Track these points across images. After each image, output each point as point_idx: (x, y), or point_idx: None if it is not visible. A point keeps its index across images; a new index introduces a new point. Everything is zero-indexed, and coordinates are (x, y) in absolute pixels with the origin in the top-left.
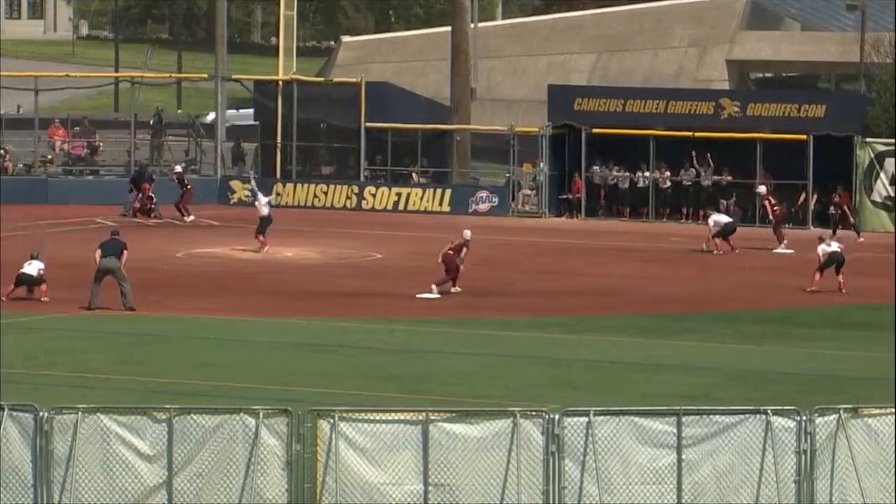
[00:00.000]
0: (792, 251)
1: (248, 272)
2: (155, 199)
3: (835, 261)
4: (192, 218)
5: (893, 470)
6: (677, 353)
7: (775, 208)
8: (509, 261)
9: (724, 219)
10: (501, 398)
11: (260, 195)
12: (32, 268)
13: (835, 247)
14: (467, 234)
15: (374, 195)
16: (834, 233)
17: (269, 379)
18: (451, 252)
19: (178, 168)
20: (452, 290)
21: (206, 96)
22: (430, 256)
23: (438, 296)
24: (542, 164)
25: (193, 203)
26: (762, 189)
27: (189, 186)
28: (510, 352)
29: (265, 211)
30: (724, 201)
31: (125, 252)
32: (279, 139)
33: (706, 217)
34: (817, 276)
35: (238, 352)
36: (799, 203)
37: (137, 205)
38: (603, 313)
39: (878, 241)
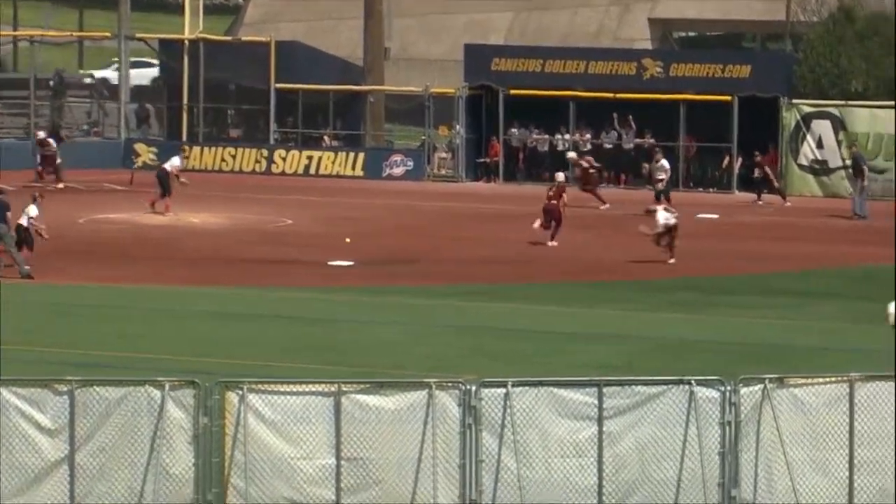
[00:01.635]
0: (715, 216)
1: (153, 239)
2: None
3: (666, 232)
4: (61, 185)
5: (820, 441)
6: (598, 323)
7: (591, 170)
8: (425, 227)
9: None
10: (417, 369)
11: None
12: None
13: (672, 218)
14: (560, 176)
15: (284, 159)
16: (759, 197)
17: (178, 350)
18: (551, 201)
19: (42, 134)
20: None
21: (110, 55)
22: (344, 222)
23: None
24: (458, 127)
25: (101, 167)
26: (572, 155)
27: (51, 151)
28: (426, 321)
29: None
30: (646, 165)
31: (8, 214)
32: (185, 101)
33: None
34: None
35: (146, 322)
36: (724, 166)
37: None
38: (522, 281)
39: (807, 205)
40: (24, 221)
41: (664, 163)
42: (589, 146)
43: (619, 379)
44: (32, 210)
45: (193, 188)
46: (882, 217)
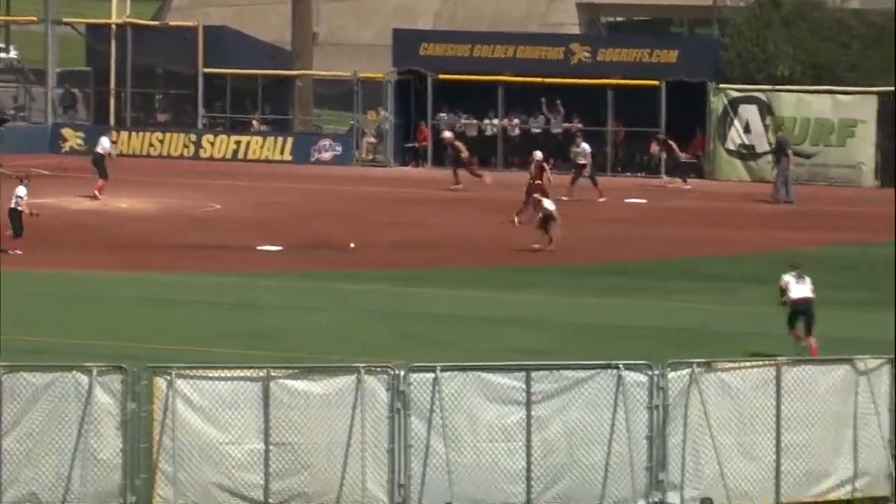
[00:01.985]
0: (643, 201)
1: (81, 224)
2: None
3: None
4: None
5: (747, 425)
6: (525, 307)
7: (462, 154)
8: (354, 212)
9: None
10: (346, 354)
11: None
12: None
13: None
14: (538, 154)
15: (212, 144)
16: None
17: (106, 335)
18: (535, 181)
19: None
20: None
21: (36, 40)
22: (272, 207)
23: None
24: (385, 112)
25: (28, 152)
26: (448, 134)
27: None
28: (355, 306)
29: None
30: (574, 149)
31: None
32: (113, 85)
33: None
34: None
35: (74, 307)
36: (651, 152)
37: None
38: (450, 266)
39: (734, 190)
40: (13, 204)
41: (585, 147)
42: (517, 130)
43: (548, 364)
44: (21, 190)
45: (122, 173)
46: (808, 202)
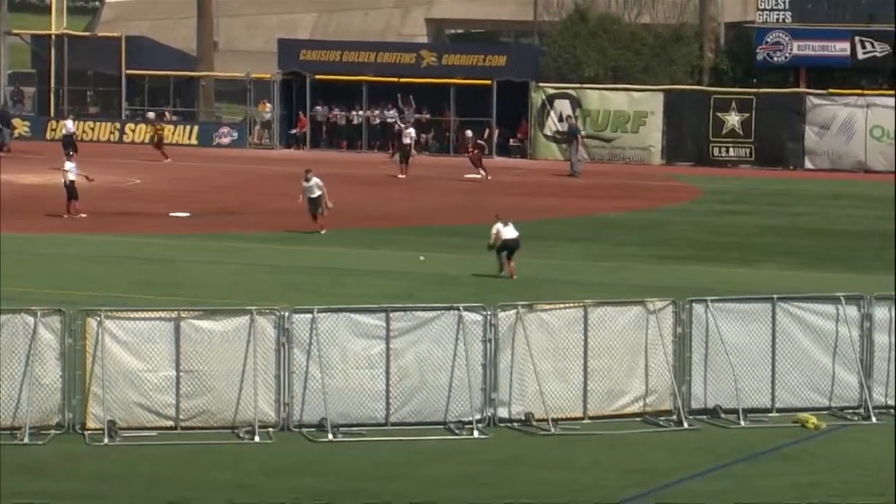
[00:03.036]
0: (479, 176)
1: (30, 196)
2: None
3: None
4: None
5: (561, 354)
6: (385, 262)
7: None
8: (248, 186)
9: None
10: (242, 299)
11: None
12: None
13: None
14: (468, 133)
15: (133, 131)
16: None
17: (49, 285)
18: (473, 151)
19: None
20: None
21: None
22: (182, 181)
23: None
24: (270, 106)
25: None
26: (408, 129)
27: None
28: (249, 261)
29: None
30: (423, 136)
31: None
32: (53, 84)
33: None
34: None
35: (23, 263)
36: (486, 137)
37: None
38: (324, 229)
39: (549, 167)
40: (68, 179)
41: (410, 131)
42: (378, 120)
43: (403, 306)
44: (68, 165)
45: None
46: (609, 176)
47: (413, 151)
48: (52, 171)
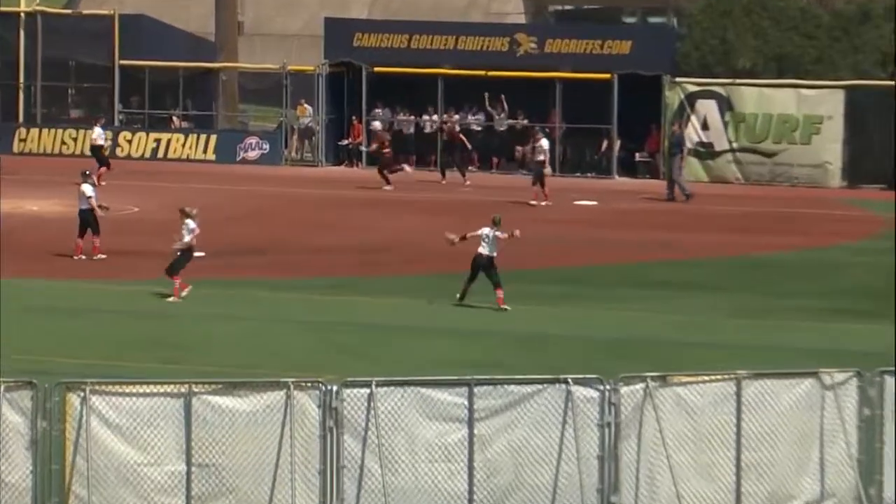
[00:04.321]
0: (593, 203)
1: (17, 229)
2: None
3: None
4: None
5: (705, 443)
6: (461, 317)
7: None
8: (280, 215)
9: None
10: (272, 367)
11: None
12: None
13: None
14: (542, 143)
15: (129, 141)
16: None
17: (12, 348)
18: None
19: None
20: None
21: None
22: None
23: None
24: (314, 108)
25: None
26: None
27: None
28: (280, 315)
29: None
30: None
31: None
32: (21, 79)
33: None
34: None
35: None
36: (602, 150)
37: None
38: (382, 273)
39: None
40: (84, 205)
41: (544, 143)
42: (458, 127)
43: (491, 378)
44: (88, 189)
45: (31, 173)
46: (758, 202)
47: (548, 169)
48: (18, 197)
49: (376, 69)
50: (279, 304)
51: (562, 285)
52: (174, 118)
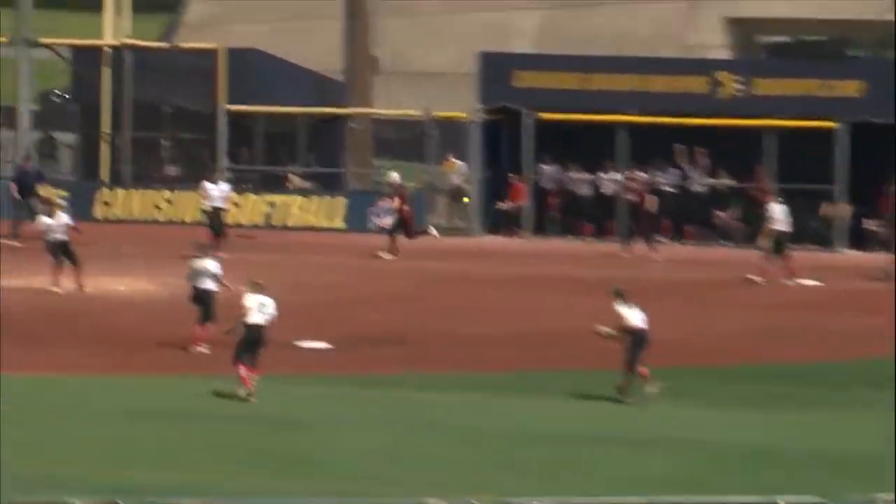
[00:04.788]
0: (815, 282)
1: (63, 313)
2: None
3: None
4: None
5: None
6: (652, 422)
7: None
8: (423, 296)
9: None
10: (415, 485)
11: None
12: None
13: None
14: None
15: (237, 205)
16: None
17: (95, 460)
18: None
19: None
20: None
21: (4, 67)
22: (315, 289)
23: None
24: (466, 163)
25: None
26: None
27: None
28: (425, 421)
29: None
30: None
31: None
32: (105, 128)
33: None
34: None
35: (53, 423)
36: (826, 217)
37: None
38: (552, 367)
39: None
40: (204, 283)
41: (775, 208)
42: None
43: (690, 500)
44: (212, 266)
45: (118, 245)
46: None
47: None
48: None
49: (542, 115)
50: (422, 407)
51: (776, 385)
52: (292, 176)
